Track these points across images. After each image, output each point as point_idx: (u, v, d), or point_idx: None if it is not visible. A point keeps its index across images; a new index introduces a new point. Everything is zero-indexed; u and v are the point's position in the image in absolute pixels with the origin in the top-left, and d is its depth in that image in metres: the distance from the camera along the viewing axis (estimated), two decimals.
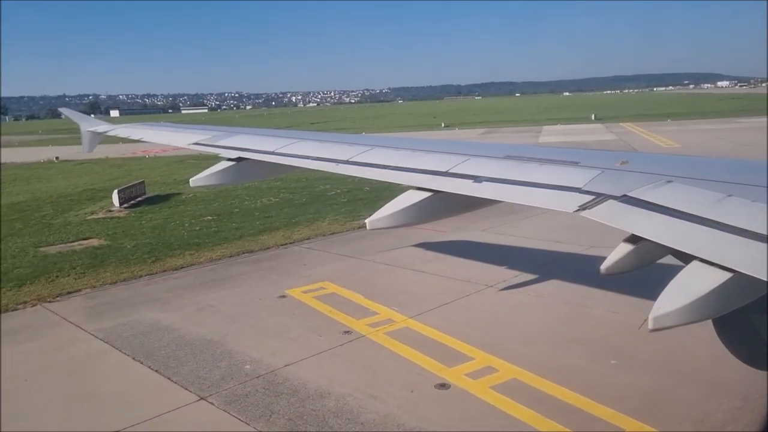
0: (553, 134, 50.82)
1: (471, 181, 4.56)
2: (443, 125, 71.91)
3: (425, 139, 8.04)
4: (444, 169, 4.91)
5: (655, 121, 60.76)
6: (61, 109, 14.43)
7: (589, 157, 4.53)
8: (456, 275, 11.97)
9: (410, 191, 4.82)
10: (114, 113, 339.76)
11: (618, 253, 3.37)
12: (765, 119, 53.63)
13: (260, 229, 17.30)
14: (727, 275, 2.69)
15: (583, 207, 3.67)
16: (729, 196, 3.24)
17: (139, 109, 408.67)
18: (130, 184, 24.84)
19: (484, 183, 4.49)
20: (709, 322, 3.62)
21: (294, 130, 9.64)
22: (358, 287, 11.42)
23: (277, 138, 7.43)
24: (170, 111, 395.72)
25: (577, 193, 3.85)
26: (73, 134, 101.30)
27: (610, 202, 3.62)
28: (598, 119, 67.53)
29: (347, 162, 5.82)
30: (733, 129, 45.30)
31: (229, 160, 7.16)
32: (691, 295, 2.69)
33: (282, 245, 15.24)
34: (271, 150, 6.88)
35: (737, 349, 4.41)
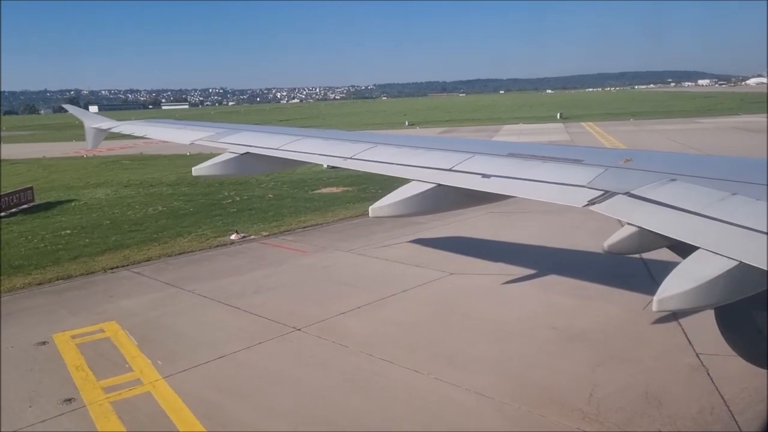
0: (509, 134, 49.38)
1: (479, 176, 4.58)
2: (407, 123, 70.48)
3: (426, 136, 8.56)
4: (448, 167, 4.92)
5: (618, 120, 59.45)
6: (66, 106, 14.04)
7: (593, 155, 4.54)
8: (272, 312, 10.07)
9: (414, 182, 4.83)
10: (93, 109, 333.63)
11: (622, 233, 3.36)
12: (726, 119, 52.60)
13: (109, 246, 15.27)
14: (732, 263, 2.72)
15: (592, 202, 3.70)
16: (733, 194, 3.26)
17: (119, 105, 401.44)
18: (13, 191, 22.64)
19: (492, 178, 4.50)
20: None
21: (296, 128, 9.41)
22: (143, 330, 9.49)
23: (281, 135, 7.33)
24: (150, 107, 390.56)
25: (585, 189, 3.88)
26: (33, 131, 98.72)
27: (618, 197, 3.64)
28: (563, 118, 66.18)
29: (352, 158, 5.92)
30: (689, 130, 43.87)
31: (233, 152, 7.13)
32: (695, 280, 2.70)
33: (112, 269, 13.23)
34: (276, 146, 6.87)
35: (739, 346, 4.30)
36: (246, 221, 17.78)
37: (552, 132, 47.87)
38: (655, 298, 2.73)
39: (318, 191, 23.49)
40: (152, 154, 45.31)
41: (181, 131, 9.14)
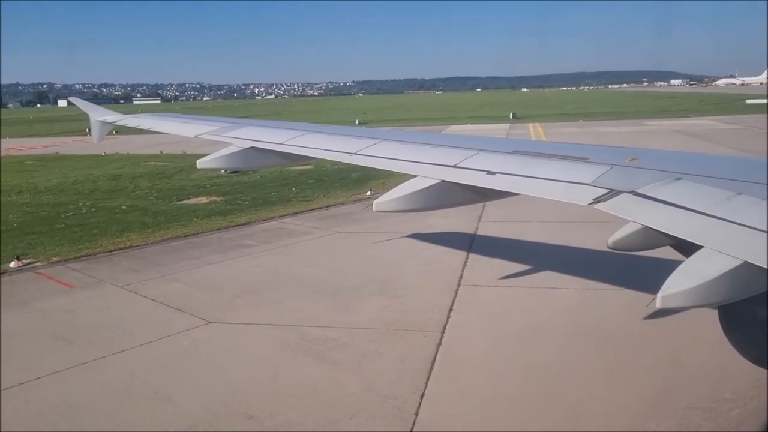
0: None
1: (484, 173, 4.62)
2: (357, 122, 68.52)
3: (431, 134, 7.71)
4: (453, 163, 4.93)
5: (569, 121, 57.72)
6: (71, 99, 13.72)
7: (598, 153, 4.54)
8: None
9: (418, 178, 4.80)
10: (62, 103, 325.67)
11: (626, 230, 3.32)
12: (674, 122, 51.18)
13: None
14: (737, 262, 2.74)
15: (597, 200, 3.68)
16: (739, 194, 3.29)
17: (90, 100, 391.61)
18: None
19: (497, 176, 4.53)
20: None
21: (301, 123, 9.27)
22: None
23: (285, 130, 7.33)
24: (122, 101, 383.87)
25: (590, 187, 3.87)
26: None
27: (623, 196, 3.63)
28: (516, 118, 64.50)
29: (357, 154, 5.90)
30: (628, 132, 42.06)
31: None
32: (699, 278, 2.71)
33: None
34: (280, 142, 6.88)
35: (743, 347, 4.17)
36: (57, 242, 15.21)
37: (494, 133, 45.95)
38: (659, 295, 2.69)
39: (183, 201, 20.99)
40: (67, 154, 42.69)
41: (186, 125, 9.11)
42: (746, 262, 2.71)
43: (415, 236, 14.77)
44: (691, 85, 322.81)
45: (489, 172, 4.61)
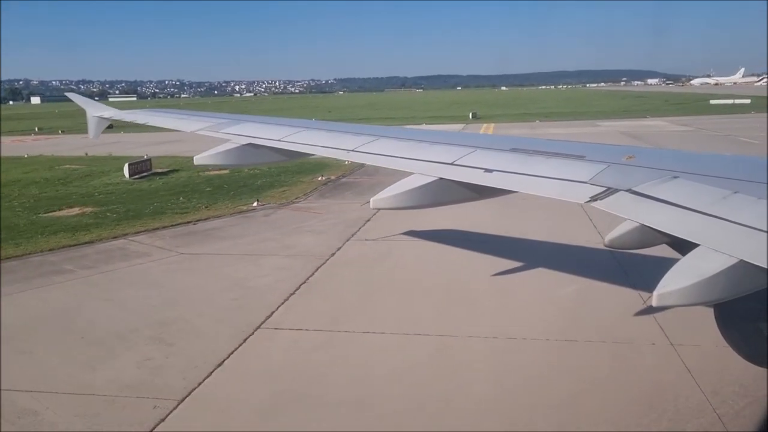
0: None
1: (482, 171, 4.58)
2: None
3: (429, 131, 7.83)
4: (450, 160, 4.91)
5: (528, 122, 56.37)
6: (68, 95, 13.43)
7: (595, 151, 4.51)
8: None
9: (415, 175, 4.76)
10: (35, 100, 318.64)
11: (623, 228, 3.33)
12: (627, 122, 50.11)
13: None
14: (732, 260, 2.75)
15: (594, 198, 3.70)
16: (735, 192, 3.29)
17: (58, 97, 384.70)
18: None
19: (494, 173, 4.49)
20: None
21: (298, 119, 8.86)
22: None
23: (283, 126, 7.27)
24: (97, 98, 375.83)
25: (587, 185, 3.85)
26: None
27: (620, 194, 3.64)
28: (475, 118, 63.07)
29: (354, 151, 5.87)
30: (577, 133, 40.71)
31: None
32: (695, 276, 2.71)
33: None
34: (278, 138, 6.82)
35: (739, 345, 4.18)
36: None
37: None
38: (655, 293, 2.66)
39: (52, 213, 19.00)
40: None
41: (182, 121, 9.15)
42: (742, 260, 2.70)
43: (263, 258, 13.04)
44: (667, 84, 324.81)
45: (486, 170, 4.55)
